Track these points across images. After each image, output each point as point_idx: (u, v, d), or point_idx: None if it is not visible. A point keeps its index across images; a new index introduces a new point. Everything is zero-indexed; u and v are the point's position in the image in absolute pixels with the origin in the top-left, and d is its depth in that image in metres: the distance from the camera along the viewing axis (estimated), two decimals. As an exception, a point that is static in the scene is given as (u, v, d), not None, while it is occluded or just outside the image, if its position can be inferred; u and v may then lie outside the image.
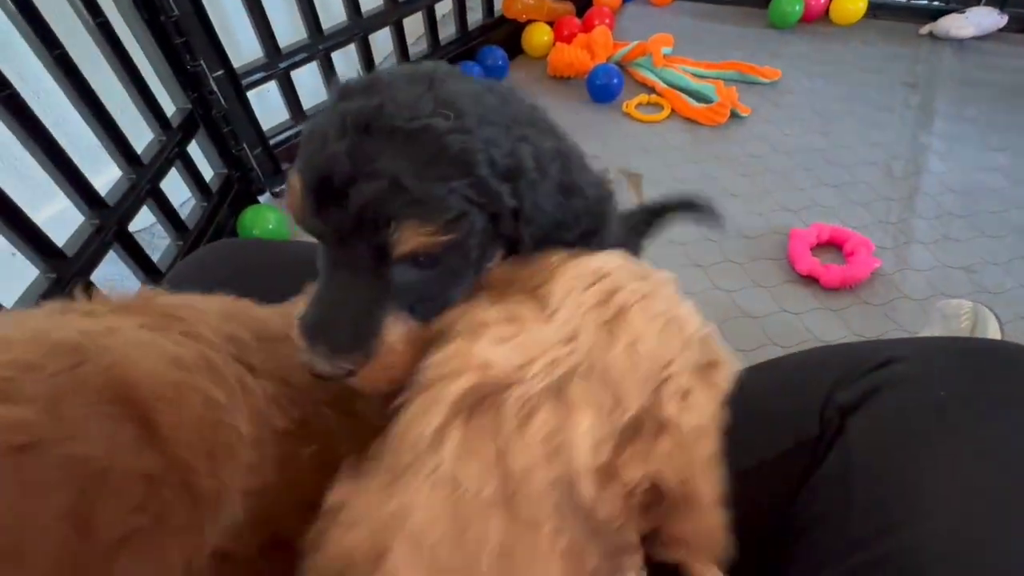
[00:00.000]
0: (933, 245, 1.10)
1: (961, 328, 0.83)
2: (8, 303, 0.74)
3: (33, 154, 0.82)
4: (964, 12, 1.66)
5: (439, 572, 0.22)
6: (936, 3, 1.74)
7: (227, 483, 0.25)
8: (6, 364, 0.21)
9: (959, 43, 1.66)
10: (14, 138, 0.79)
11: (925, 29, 1.71)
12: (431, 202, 0.27)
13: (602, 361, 0.25)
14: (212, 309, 0.32)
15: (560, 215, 0.33)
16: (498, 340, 0.25)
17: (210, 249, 0.56)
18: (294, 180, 0.28)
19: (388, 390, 0.28)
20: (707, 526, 0.27)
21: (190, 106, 1.08)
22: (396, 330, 0.29)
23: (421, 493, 0.23)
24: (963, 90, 1.49)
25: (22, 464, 0.20)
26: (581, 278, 0.28)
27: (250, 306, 0.36)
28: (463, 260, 0.30)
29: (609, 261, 0.30)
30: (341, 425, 0.33)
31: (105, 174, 0.95)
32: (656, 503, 0.26)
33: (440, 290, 0.30)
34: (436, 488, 0.23)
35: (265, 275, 0.47)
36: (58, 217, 0.88)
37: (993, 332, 0.81)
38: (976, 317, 0.83)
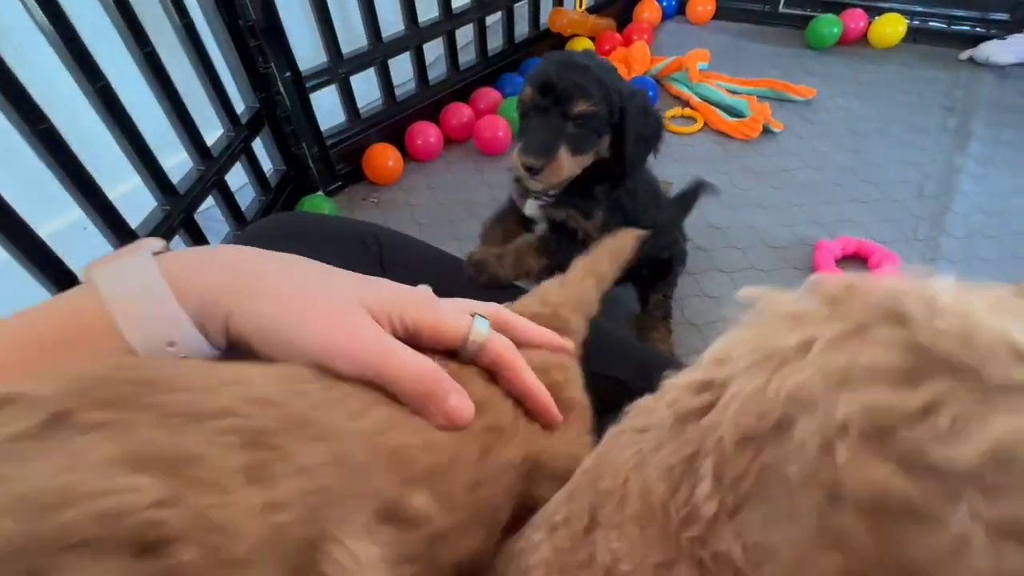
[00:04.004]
0: (961, 263, 1.12)
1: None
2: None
3: (119, 142, 0.91)
4: (1005, 38, 1.67)
5: None
6: (977, 29, 1.75)
7: None
8: None
9: (1000, 69, 1.67)
10: (88, 125, 0.86)
11: (965, 54, 1.72)
12: (589, 94, 0.72)
13: None
14: None
15: (642, 128, 0.76)
16: None
17: (273, 220, 0.60)
18: (527, 89, 0.75)
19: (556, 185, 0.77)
20: None
21: (258, 105, 1.17)
22: (564, 152, 0.73)
23: None
24: (1002, 115, 1.49)
25: None
26: None
27: None
28: (597, 126, 0.74)
29: None
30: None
31: (166, 161, 1.01)
32: None
33: (582, 140, 0.74)
34: None
35: (321, 244, 0.53)
36: (121, 199, 0.93)
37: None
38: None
